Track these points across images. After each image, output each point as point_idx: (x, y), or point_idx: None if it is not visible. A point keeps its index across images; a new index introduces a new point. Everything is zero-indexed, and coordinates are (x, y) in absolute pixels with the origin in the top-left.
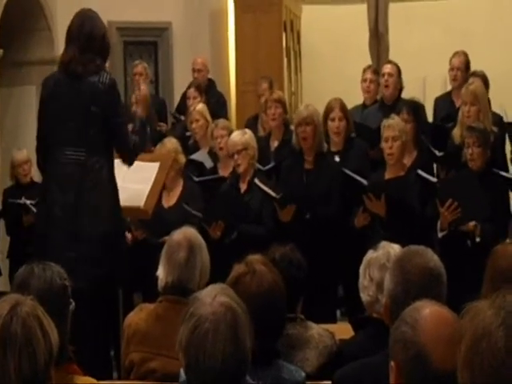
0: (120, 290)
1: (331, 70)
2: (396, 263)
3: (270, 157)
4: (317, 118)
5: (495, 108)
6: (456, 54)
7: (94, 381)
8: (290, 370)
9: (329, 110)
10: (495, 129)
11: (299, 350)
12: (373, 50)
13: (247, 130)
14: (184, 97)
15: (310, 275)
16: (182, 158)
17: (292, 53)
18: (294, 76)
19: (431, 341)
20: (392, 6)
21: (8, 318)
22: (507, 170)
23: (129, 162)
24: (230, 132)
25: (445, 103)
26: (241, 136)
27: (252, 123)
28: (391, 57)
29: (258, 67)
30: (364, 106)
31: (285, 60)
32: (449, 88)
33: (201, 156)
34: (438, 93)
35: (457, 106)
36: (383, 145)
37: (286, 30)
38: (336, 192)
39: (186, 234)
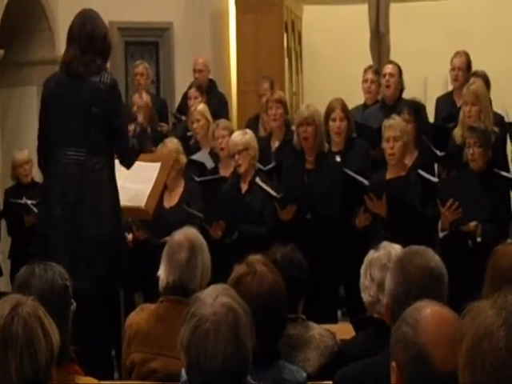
0: (121, 290)
1: (332, 71)
2: (397, 263)
3: (271, 157)
4: (318, 118)
5: (496, 108)
6: (457, 54)
7: (95, 381)
8: (291, 371)
9: (330, 110)
10: (496, 129)
11: (300, 350)
12: (374, 51)
13: (248, 131)
14: (185, 97)
15: (311, 275)
16: (183, 158)
17: (293, 53)
18: (295, 76)
19: (432, 341)
20: (393, 7)
21: (9, 319)
22: (508, 170)
23: (127, 163)
24: (231, 132)
25: (446, 103)
26: (242, 136)
27: (253, 123)
28: (392, 57)
29: (259, 67)
30: (365, 106)
31: (286, 60)
32: (450, 88)
33: (202, 156)
34: (439, 93)
35: (458, 106)
36: (384, 145)
37: (287, 30)
38: (337, 192)
39: (187, 234)
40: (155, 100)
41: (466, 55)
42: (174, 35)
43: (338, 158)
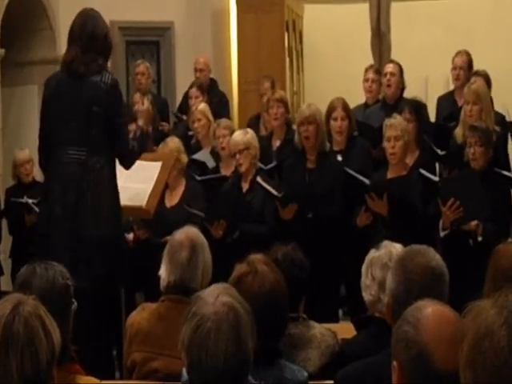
0: (122, 289)
1: (333, 70)
2: (398, 262)
3: (272, 156)
4: (319, 117)
5: (497, 107)
6: (459, 53)
7: (97, 380)
8: (293, 370)
9: (331, 109)
10: (497, 128)
11: (301, 349)
12: (375, 50)
13: (249, 130)
14: (186, 96)
15: (312, 274)
16: (185, 158)
17: (294, 52)
18: (296, 75)
19: (433, 340)
20: (394, 6)
21: (10, 318)
22: (509, 170)
23: (126, 164)
24: (232, 131)
25: (447, 102)
26: (242, 135)
27: (254, 122)
28: (393, 56)
29: (260, 67)
30: (366, 105)
31: (287, 59)
32: (451, 87)
33: (203, 156)
34: (440, 92)
35: (459, 105)
36: (385, 144)
37: (288, 29)
38: (338, 191)
39: (188, 233)
40: (156, 99)
41: (467, 54)
42: (175, 35)
43: (339, 157)
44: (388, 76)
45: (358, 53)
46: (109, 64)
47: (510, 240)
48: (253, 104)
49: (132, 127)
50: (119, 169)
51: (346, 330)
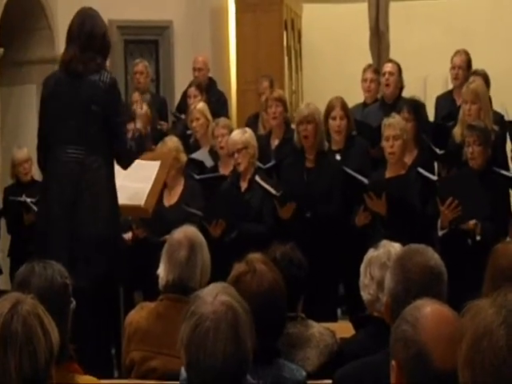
0: (121, 288)
1: (332, 69)
2: (397, 262)
3: (271, 155)
4: (318, 117)
5: (496, 106)
6: (457, 52)
7: (95, 379)
8: (291, 369)
9: (330, 108)
10: (496, 127)
11: (300, 348)
12: (373, 49)
13: (247, 129)
14: (185, 95)
15: (311, 274)
16: (183, 157)
17: (293, 51)
18: (294, 75)
19: (432, 339)
20: (393, 5)
21: (9, 317)
22: (508, 169)
23: (123, 164)
24: (231, 131)
25: (446, 102)
26: (241, 135)
27: (252, 122)
28: (392, 55)
29: (258, 66)
30: (365, 104)
31: (285, 59)
32: (450, 87)
33: (201, 155)
34: (439, 92)
35: (458, 104)
36: (384, 144)
37: (286, 28)
38: (337, 190)
39: (186, 232)
40: (155, 99)
41: (466, 54)
42: (174, 34)
43: (337, 157)
44: (387, 75)
45: (357, 52)
46: (107, 63)
47: (508, 239)
48: (251, 103)
49: (130, 126)
50: (117, 168)
51: (344, 329)
